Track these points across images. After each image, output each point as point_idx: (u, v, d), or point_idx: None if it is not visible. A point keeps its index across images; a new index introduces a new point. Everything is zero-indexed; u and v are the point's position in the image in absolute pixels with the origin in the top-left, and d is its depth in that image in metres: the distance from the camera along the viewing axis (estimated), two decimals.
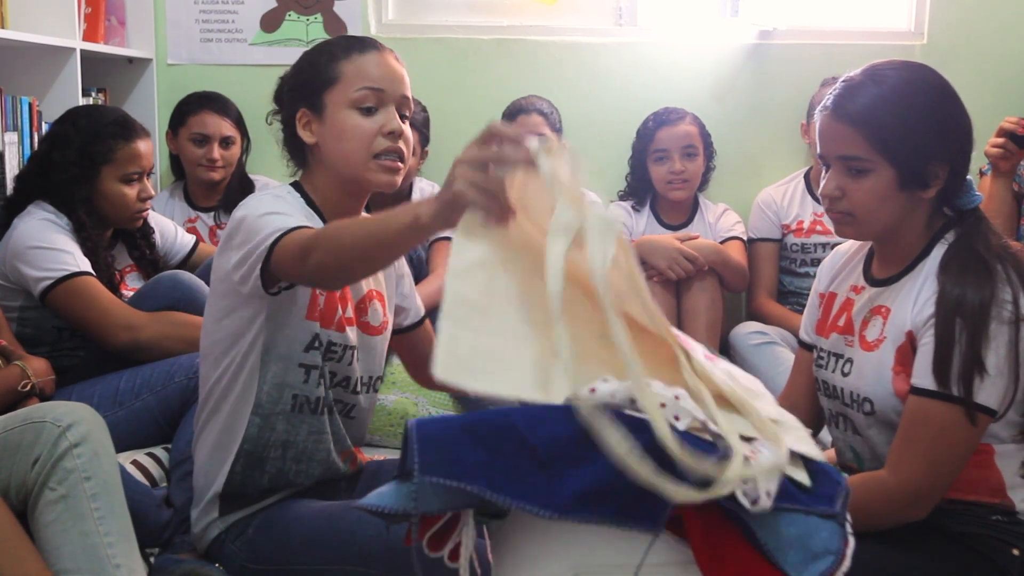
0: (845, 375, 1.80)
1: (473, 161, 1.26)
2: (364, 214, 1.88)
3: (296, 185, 1.89)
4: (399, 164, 1.83)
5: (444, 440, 1.20)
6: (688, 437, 1.24)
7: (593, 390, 1.22)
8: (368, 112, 1.81)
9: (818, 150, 1.77)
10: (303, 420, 1.86)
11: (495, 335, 1.27)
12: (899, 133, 1.66)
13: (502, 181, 1.23)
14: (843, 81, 1.73)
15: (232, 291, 1.78)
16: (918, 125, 1.66)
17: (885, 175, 1.67)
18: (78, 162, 2.47)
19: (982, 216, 1.74)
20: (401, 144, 1.82)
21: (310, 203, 1.86)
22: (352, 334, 1.90)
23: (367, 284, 1.96)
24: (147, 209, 2.60)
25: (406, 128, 1.84)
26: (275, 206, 1.74)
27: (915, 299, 1.70)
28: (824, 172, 1.76)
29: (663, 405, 1.21)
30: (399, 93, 1.84)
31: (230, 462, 1.84)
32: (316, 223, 1.80)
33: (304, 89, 1.84)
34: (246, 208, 1.75)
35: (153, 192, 2.60)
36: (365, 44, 1.85)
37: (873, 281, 1.81)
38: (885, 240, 1.77)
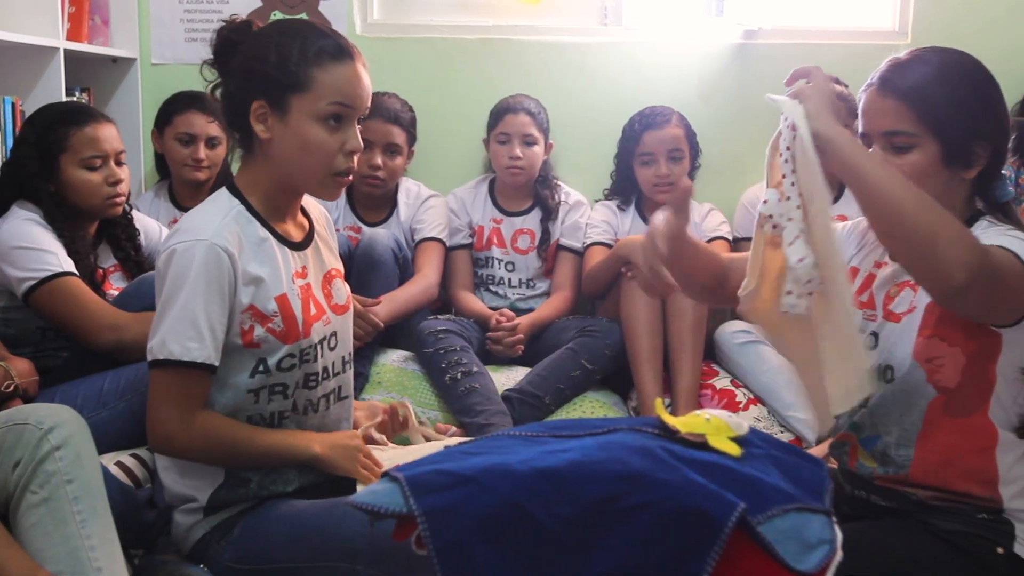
0: (870, 349, 1.80)
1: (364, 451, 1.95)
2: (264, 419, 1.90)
3: (232, 187, 1.87)
4: (350, 179, 1.87)
5: (460, 546, 1.22)
6: None
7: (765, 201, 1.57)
8: (333, 127, 1.80)
9: (860, 128, 1.77)
10: None
11: None
12: (947, 108, 1.67)
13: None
14: (888, 61, 1.75)
15: None
16: (965, 101, 1.68)
17: (930, 150, 1.69)
18: (37, 156, 2.47)
19: (1013, 208, 1.76)
20: (354, 161, 1.85)
21: (248, 207, 1.84)
22: (321, 330, 1.91)
23: (328, 263, 1.99)
24: (121, 194, 2.57)
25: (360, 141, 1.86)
26: (201, 287, 1.74)
27: None
28: None
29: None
30: (364, 106, 1.84)
31: (213, 488, 1.86)
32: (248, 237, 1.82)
33: (267, 81, 1.79)
34: (174, 268, 1.75)
35: (122, 176, 2.56)
36: (341, 51, 1.81)
37: None
38: None
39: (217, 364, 1.77)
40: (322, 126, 1.79)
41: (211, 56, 1.88)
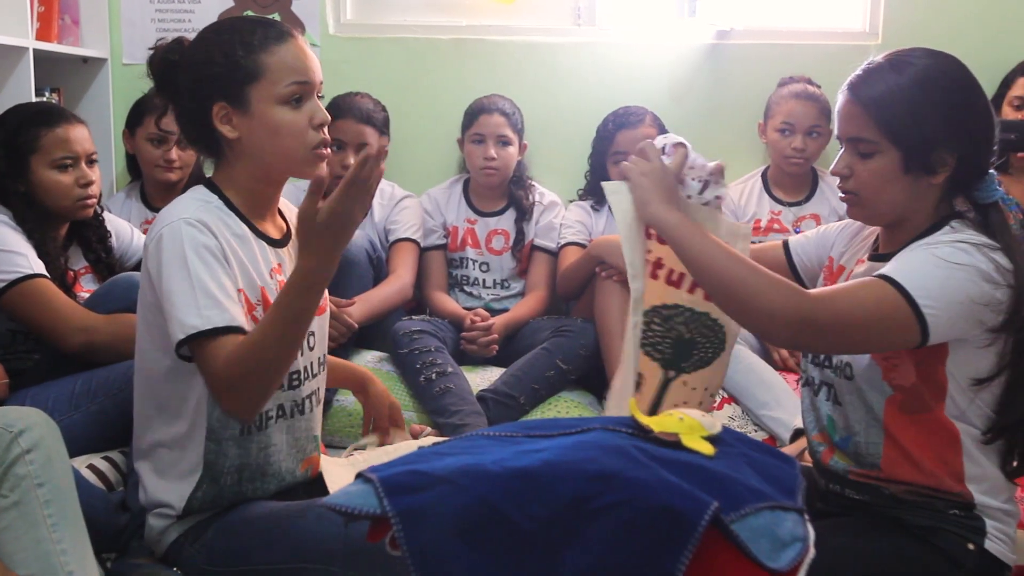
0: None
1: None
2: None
3: (211, 184, 1.87)
4: (329, 152, 1.87)
5: (434, 547, 1.22)
6: None
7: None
8: (296, 105, 1.81)
9: (835, 131, 1.83)
10: (251, 440, 1.86)
11: None
12: (906, 117, 1.70)
13: None
14: (864, 64, 1.78)
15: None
16: (926, 111, 1.70)
17: (890, 157, 1.72)
18: (7, 156, 2.45)
19: (1001, 209, 1.77)
20: (325, 133, 1.85)
21: (228, 204, 1.85)
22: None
23: None
24: (92, 196, 2.55)
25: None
26: (198, 260, 1.71)
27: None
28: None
29: None
30: (318, 80, 1.86)
31: (190, 491, 1.84)
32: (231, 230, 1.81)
33: (220, 81, 1.80)
34: (166, 251, 1.72)
35: (93, 177, 2.54)
36: (281, 32, 1.83)
37: (874, 256, 1.84)
38: (894, 226, 1.80)
39: (244, 327, 1.72)
40: (286, 107, 1.80)
41: (154, 87, 1.88)
